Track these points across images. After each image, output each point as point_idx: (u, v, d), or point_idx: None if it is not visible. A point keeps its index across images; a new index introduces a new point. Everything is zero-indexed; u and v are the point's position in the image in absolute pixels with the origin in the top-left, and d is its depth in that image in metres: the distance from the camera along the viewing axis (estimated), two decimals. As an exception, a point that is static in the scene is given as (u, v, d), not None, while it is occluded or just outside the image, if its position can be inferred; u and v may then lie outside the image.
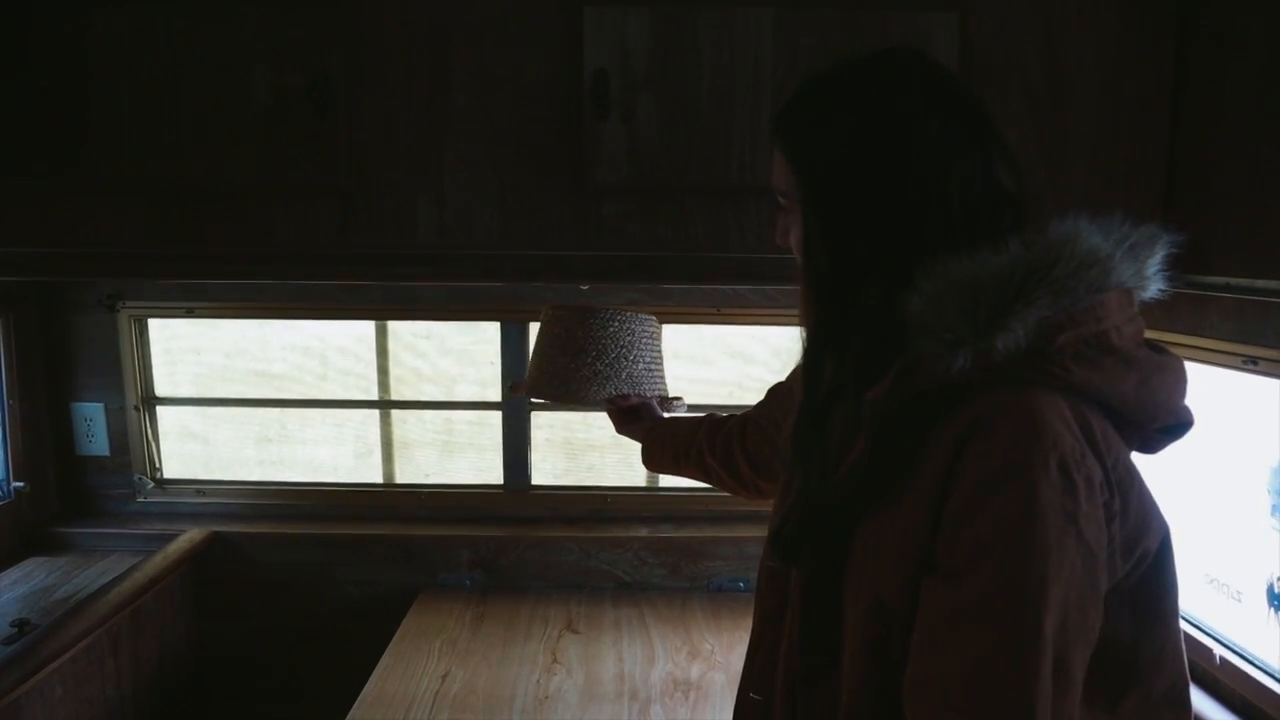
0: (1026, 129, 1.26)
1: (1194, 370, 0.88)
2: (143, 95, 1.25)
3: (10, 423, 1.99)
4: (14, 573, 1.94)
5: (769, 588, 0.96)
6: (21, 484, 2.01)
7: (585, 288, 1.69)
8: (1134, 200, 1.25)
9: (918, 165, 0.79)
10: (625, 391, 1.51)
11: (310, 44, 1.24)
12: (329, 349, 2.18)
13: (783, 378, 1.34)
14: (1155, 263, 0.81)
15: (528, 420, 2.15)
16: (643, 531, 2.10)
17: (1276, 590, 1.34)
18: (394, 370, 2.18)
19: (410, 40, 1.26)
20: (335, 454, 2.22)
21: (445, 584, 2.08)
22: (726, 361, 2.17)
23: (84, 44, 1.25)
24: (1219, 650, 1.41)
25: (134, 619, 1.84)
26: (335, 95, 1.24)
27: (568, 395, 1.50)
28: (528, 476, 2.17)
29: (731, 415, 1.42)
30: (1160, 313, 0.86)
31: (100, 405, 2.11)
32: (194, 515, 2.14)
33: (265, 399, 2.19)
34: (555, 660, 1.76)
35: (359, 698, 1.61)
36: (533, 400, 1.98)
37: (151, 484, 2.16)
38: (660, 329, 1.56)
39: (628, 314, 1.51)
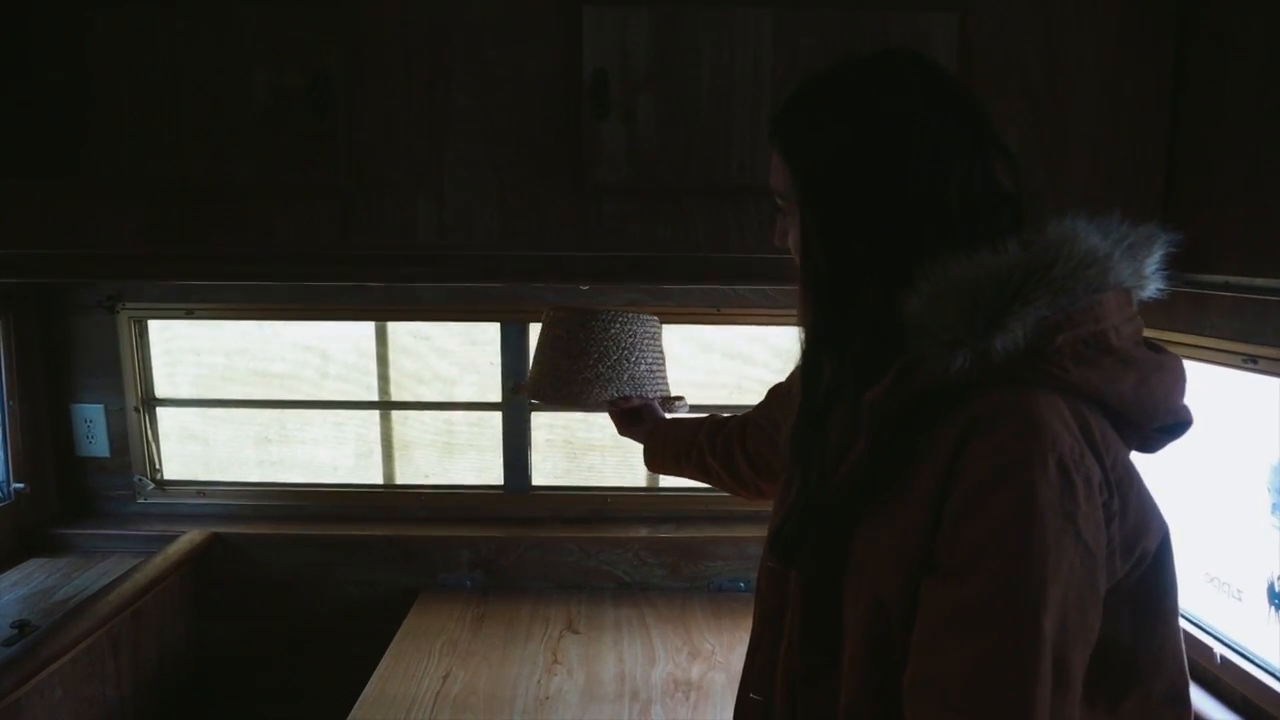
0: (1026, 129, 1.26)
1: (1193, 369, 0.88)
2: (142, 95, 1.25)
3: (10, 424, 1.99)
4: (14, 574, 1.94)
5: (769, 588, 0.96)
6: (21, 485, 2.01)
7: (585, 288, 1.69)
8: (1134, 200, 1.25)
9: (916, 166, 0.79)
10: (627, 393, 1.51)
11: (310, 44, 1.24)
12: (329, 349, 2.18)
13: (782, 378, 1.34)
14: (1154, 262, 0.82)
15: (528, 421, 2.15)
16: (643, 532, 2.10)
17: (1277, 589, 1.34)
18: (395, 371, 2.18)
19: (410, 40, 1.26)
20: (335, 455, 2.23)
21: (446, 584, 2.08)
22: (725, 362, 2.18)
23: (84, 44, 1.25)
24: (1219, 649, 1.41)
25: (134, 620, 1.84)
26: (335, 95, 1.24)
27: (570, 398, 1.50)
28: (528, 477, 2.17)
29: (732, 416, 1.43)
30: (1159, 312, 0.86)
31: (100, 406, 2.11)
32: (194, 516, 2.14)
33: (265, 400, 2.19)
34: (556, 661, 1.76)
35: (360, 698, 1.61)
36: (533, 401, 1.98)
37: (151, 485, 2.16)
38: (661, 329, 1.56)
39: (629, 315, 1.51)
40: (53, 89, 1.27)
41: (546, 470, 2.21)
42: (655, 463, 1.52)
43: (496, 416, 2.17)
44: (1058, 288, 0.75)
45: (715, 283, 1.41)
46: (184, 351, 2.17)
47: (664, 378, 1.59)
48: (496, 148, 1.28)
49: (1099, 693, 0.77)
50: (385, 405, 2.20)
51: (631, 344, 1.51)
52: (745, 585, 2.07)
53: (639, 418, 1.54)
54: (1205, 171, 1.21)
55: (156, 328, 2.14)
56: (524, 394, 1.62)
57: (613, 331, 1.49)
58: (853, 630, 0.82)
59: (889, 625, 0.78)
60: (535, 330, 1.77)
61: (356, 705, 1.59)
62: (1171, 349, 0.84)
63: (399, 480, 2.23)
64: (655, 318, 1.57)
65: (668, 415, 1.57)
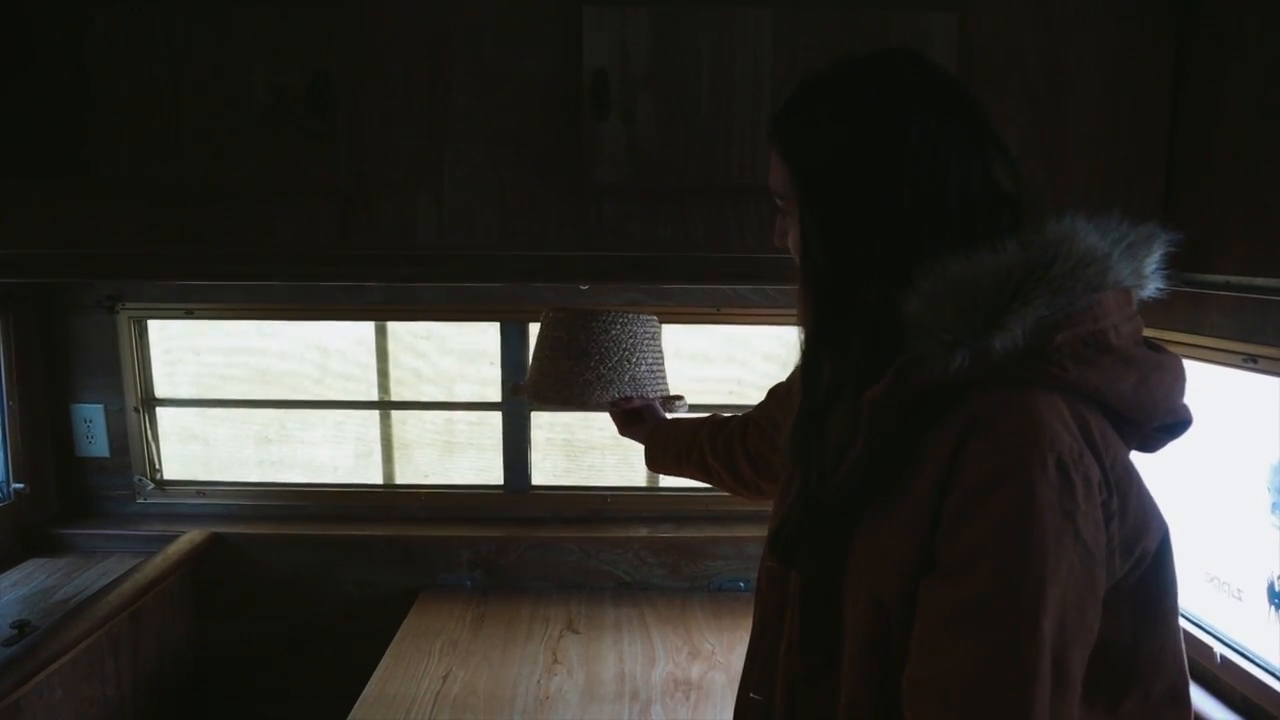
0: (1026, 129, 1.26)
1: (1193, 368, 0.88)
2: (142, 96, 1.25)
3: (10, 424, 1.99)
4: (14, 574, 1.94)
5: (769, 588, 0.96)
6: (21, 485, 2.01)
7: (585, 288, 1.69)
8: (1133, 199, 1.25)
9: (915, 166, 0.79)
10: (628, 394, 1.51)
11: (309, 44, 1.24)
12: (329, 350, 2.18)
13: (783, 378, 1.35)
14: (1153, 261, 0.82)
15: (528, 420, 2.15)
16: (643, 531, 2.10)
17: (1277, 588, 1.34)
18: (395, 371, 2.18)
19: (409, 40, 1.26)
20: (335, 454, 2.23)
21: (445, 584, 2.08)
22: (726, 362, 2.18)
23: (84, 44, 1.25)
24: (1220, 649, 1.41)
25: (134, 620, 1.84)
26: (334, 95, 1.24)
27: (571, 400, 1.50)
28: (528, 477, 2.17)
29: (733, 416, 1.43)
30: (1159, 311, 0.86)
31: (100, 406, 2.11)
32: (194, 516, 2.14)
33: (265, 400, 2.19)
34: (556, 660, 1.76)
35: (359, 698, 1.61)
36: (533, 403, 1.98)
37: (151, 485, 2.16)
38: (660, 329, 1.57)
39: (629, 316, 1.51)
40: (52, 89, 1.27)
41: (546, 470, 2.21)
42: (656, 463, 1.52)
43: (496, 416, 2.17)
44: (1056, 287, 0.75)
45: (715, 283, 1.41)
46: (184, 351, 2.17)
47: (664, 377, 1.59)
48: (496, 148, 1.28)
49: (1099, 692, 0.77)
50: (385, 405, 2.20)
51: (632, 345, 1.51)
52: (745, 585, 2.07)
53: (640, 418, 1.54)
54: (1205, 171, 1.21)
55: (156, 328, 2.14)
56: (523, 395, 1.62)
57: (613, 332, 1.49)
58: (852, 630, 0.82)
59: (889, 625, 0.78)
60: (535, 330, 1.77)
61: (356, 705, 1.59)
62: (1171, 348, 0.84)
63: (399, 480, 2.23)
64: (654, 318, 1.57)
65: (668, 415, 1.57)
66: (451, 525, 2.12)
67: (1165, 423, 0.81)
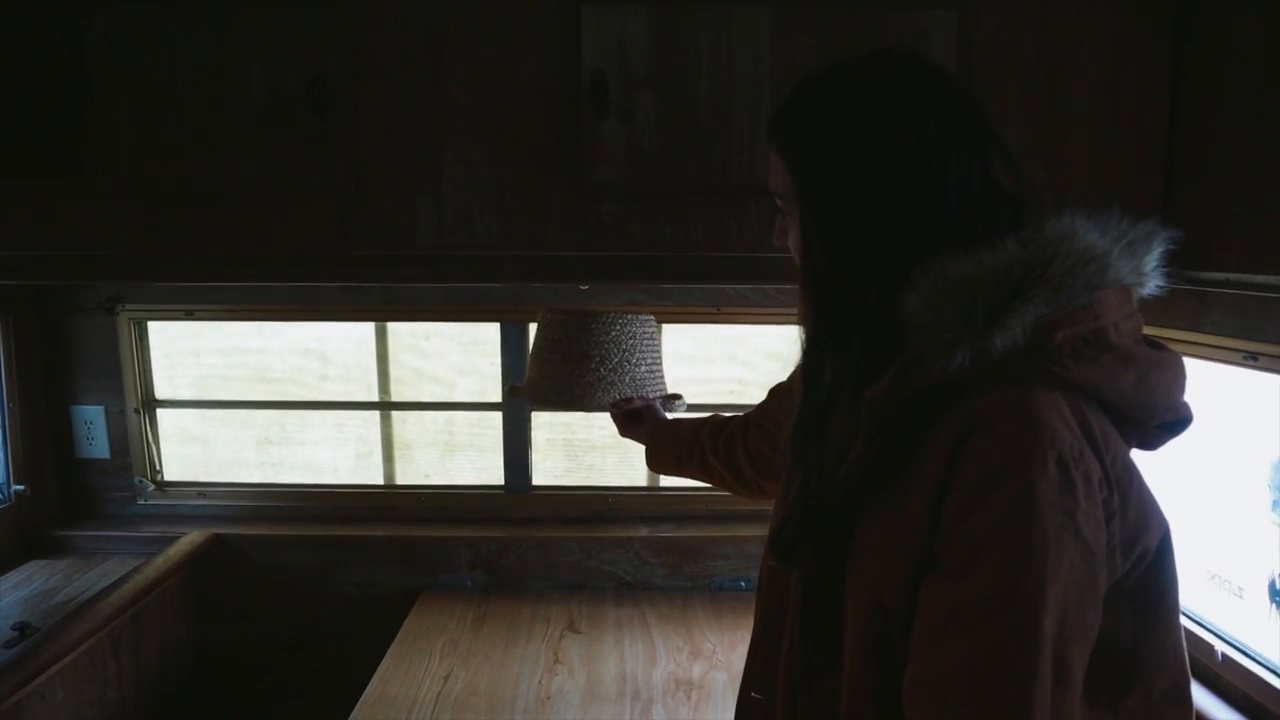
0: (1025, 128, 1.26)
1: (1193, 366, 0.88)
2: (142, 96, 1.25)
3: (10, 426, 1.99)
4: (14, 576, 1.94)
5: (770, 587, 0.96)
6: (22, 487, 2.01)
7: (585, 288, 1.69)
8: (1133, 197, 1.25)
9: (915, 165, 0.79)
10: (629, 394, 1.51)
11: (308, 44, 1.24)
12: (329, 350, 2.18)
13: (783, 378, 1.35)
14: (1153, 259, 0.82)
15: (528, 420, 2.15)
16: (644, 531, 2.10)
17: (1278, 586, 1.34)
18: (394, 371, 2.19)
19: (408, 40, 1.26)
20: (335, 455, 2.23)
21: (446, 585, 2.08)
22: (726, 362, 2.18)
23: (83, 45, 1.24)
24: (1221, 647, 1.41)
25: (135, 621, 1.84)
26: (333, 95, 1.24)
27: (573, 402, 1.50)
28: (528, 477, 2.18)
29: (735, 416, 1.43)
30: (1159, 309, 0.86)
31: (100, 408, 2.11)
32: (194, 517, 2.14)
33: (265, 401, 2.19)
34: (557, 660, 1.76)
35: (360, 699, 1.61)
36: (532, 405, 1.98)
37: (152, 486, 2.16)
38: (658, 328, 1.57)
39: (628, 316, 1.51)
40: (52, 89, 1.27)
41: (547, 470, 2.21)
42: (657, 463, 1.53)
43: (497, 416, 2.17)
44: (1056, 285, 0.75)
45: (715, 282, 1.41)
46: (184, 353, 2.17)
47: (662, 377, 1.59)
48: (496, 148, 1.28)
49: (1100, 691, 0.77)
50: (385, 406, 2.20)
51: (632, 346, 1.52)
52: (746, 584, 2.07)
53: (640, 419, 1.54)
54: (1204, 168, 1.21)
55: (156, 329, 2.14)
56: (522, 398, 1.62)
57: (614, 334, 1.49)
58: (853, 629, 0.82)
59: (889, 624, 0.78)
60: (535, 330, 1.76)
61: (358, 706, 1.59)
62: (1171, 346, 0.84)
63: (399, 480, 2.23)
64: (652, 317, 1.57)
65: (668, 415, 1.57)
66: (452, 525, 2.12)
67: (1165, 420, 0.81)
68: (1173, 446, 0.84)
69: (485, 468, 2.20)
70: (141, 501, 2.16)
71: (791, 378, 1.25)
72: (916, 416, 0.78)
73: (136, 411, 2.11)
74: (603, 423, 1.63)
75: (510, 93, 1.26)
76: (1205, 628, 1.47)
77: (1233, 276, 1.17)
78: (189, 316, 2.11)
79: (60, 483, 2.13)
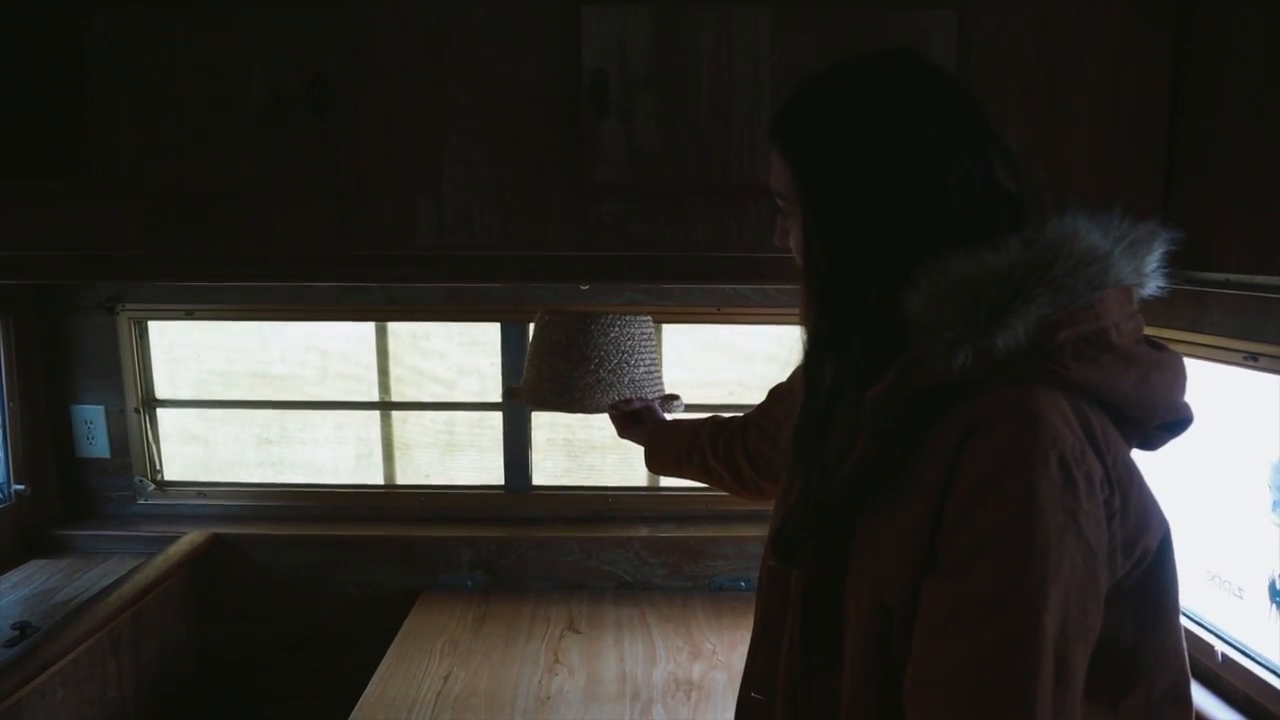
0: (1025, 128, 1.26)
1: (1194, 366, 0.88)
2: (141, 96, 1.25)
3: (10, 425, 1.99)
4: (15, 575, 1.94)
5: (770, 587, 0.96)
6: (22, 486, 2.01)
7: (585, 288, 1.68)
8: (1133, 197, 1.25)
9: (916, 165, 0.79)
10: (628, 395, 1.51)
11: (308, 44, 1.24)
12: (329, 350, 2.18)
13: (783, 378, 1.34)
14: (1154, 260, 0.82)
15: (528, 421, 2.15)
16: (644, 531, 2.10)
17: (1278, 586, 1.34)
18: (395, 370, 2.19)
19: (408, 40, 1.26)
20: (336, 455, 2.23)
21: (446, 585, 2.08)
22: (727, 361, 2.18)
23: (83, 44, 1.24)
24: (1221, 647, 1.41)
25: (135, 621, 1.84)
26: (333, 95, 1.24)
27: (572, 404, 1.50)
28: (529, 477, 2.17)
29: (734, 417, 1.43)
30: (1160, 309, 0.86)
31: (100, 407, 2.11)
32: (195, 517, 2.14)
33: (266, 401, 2.19)
34: (557, 660, 1.76)
35: (360, 699, 1.61)
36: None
37: (152, 486, 2.16)
38: (656, 329, 1.57)
39: (627, 318, 1.51)
40: (52, 89, 1.27)
41: (547, 470, 2.21)
42: (656, 464, 1.52)
43: (497, 416, 2.17)
44: (1058, 285, 0.75)
45: (715, 282, 1.41)
46: (184, 352, 2.17)
47: (661, 378, 1.59)
48: (496, 148, 1.28)
49: (1100, 691, 0.77)
50: (385, 406, 2.20)
51: (631, 347, 1.52)
52: (746, 584, 2.07)
53: (640, 420, 1.54)
54: (1205, 169, 1.21)
55: (156, 328, 2.14)
56: (520, 399, 1.62)
57: (613, 335, 1.49)
58: (854, 629, 0.82)
59: (890, 624, 0.78)
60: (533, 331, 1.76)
61: (358, 706, 1.59)
62: (1172, 346, 0.84)
63: (400, 480, 2.23)
64: (649, 318, 1.57)
65: (666, 415, 1.57)
66: (452, 525, 2.12)
67: (1166, 420, 0.81)
68: (1173, 447, 0.84)
69: (485, 468, 2.20)
70: (141, 501, 2.16)
71: (792, 378, 1.25)
72: (918, 416, 0.78)
73: (136, 411, 2.11)
74: (603, 423, 1.63)
75: (510, 93, 1.26)
76: (1205, 628, 1.47)
77: (1233, 277, 1.17)
78: (189, 316, 2.11)
79: (60, 482, 2.13)
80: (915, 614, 0.76)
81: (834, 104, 0.83)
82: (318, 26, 1.24)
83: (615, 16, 1.22)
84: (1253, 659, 1.37)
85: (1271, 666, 1.34)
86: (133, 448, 2.13)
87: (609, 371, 1.49)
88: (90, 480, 2.15)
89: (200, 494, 2.16)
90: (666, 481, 2.17)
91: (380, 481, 2.23)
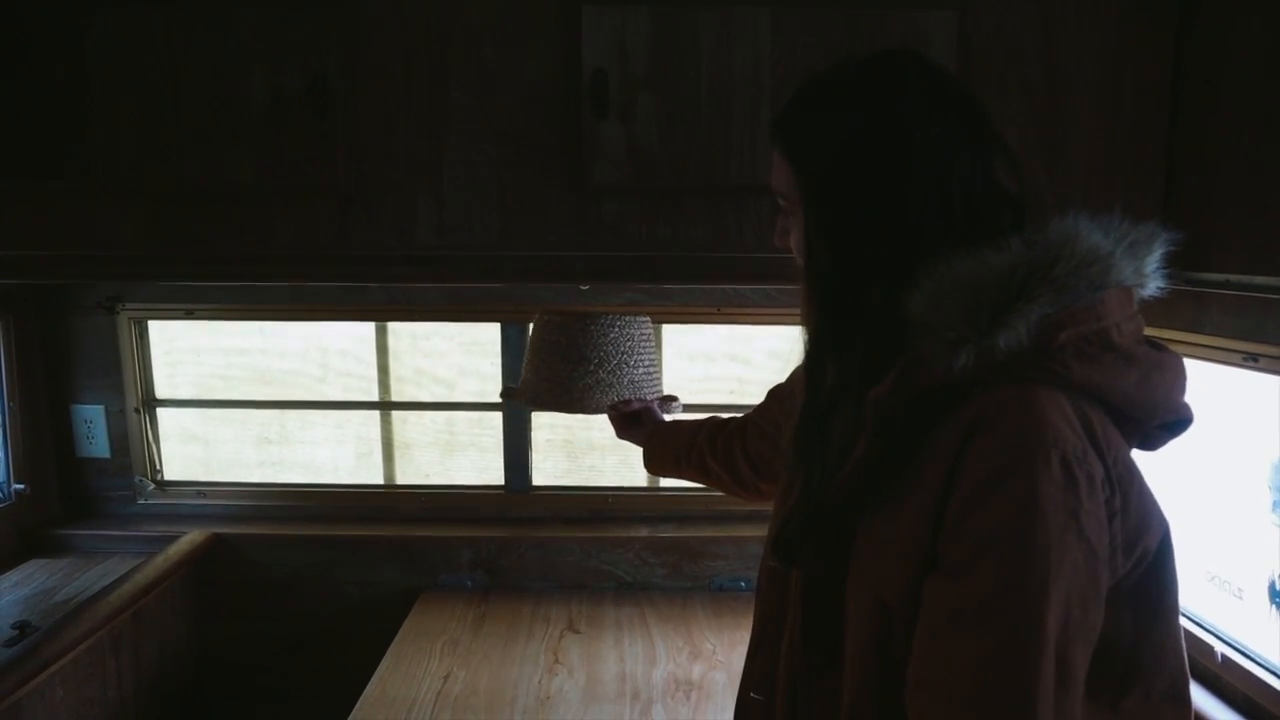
0: (1026, 128, 1.26)
1: (1194, 367, 0.88)
2: (142, 96, 1.25)
3: (10, 425, 1.99)
4: (14, 575, 1.94)
5: (770, 587, 0.96)
6: (22, 486, 2.01)
7: (585, 288, 1.68)
8: (1133, 198, 1.25)
9: (917, 165, 0.79)
10: (627, 396, 1.51)
11: (308, 45, 1.24)
12: (329, 349, 2.18)
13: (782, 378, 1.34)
14: (1155, 260, 0.82)
15: (528, 421, 2.15)
16: (644, 531, 2.10)
17: (1278, 587, 1.34)
18: (396, 370, 2.19)
19: (408, 40, 1.26)
20: (336, 455, 2.23)
21: (446, 585, 2.08)
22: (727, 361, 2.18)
23: (83, 45, 1.24)
24: (1220, 648, 1.41)
25: (135, 621, 1.84)
26: (334, 96, 1.24)
27: (571, 405, 1.50)
28: (529, 477, 2.17)
29: (733, 417, 1.43)
30: (1160, 310, 0.86)
31: (100, 407, 2.11)
32: (195, 517, 2.14)
33: (265, 400, 2.19)
34: (557, 660, 1.76)
35: (360, 699, 1.61)
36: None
37: (152, 486, 2.16)
38: (655, 330, 1.57)
39: (626, 318, 1.51)
40: (52, 89, 1.27)
41: (547, 470, 2.21)
42: (655, 465, 1.52)
43: (497, 416, 2.17)
44: (1060, 285, 0.75)
45: (715, 283, 1.41)
46: (184, 352, 2.17)
47: (659, 378, 1.59)
48: (496, 147, 1.28)
49: (1100, 690, 0.77)
50: (385, 405, 2.20)
51: (630, 347, 1.52)
52: (746, 584, 2.07)
53: (638, 420, 1.54)
54: (1205, 170, 1.21)
55: (156, 328, 2.14)
56: (519, 400, 1.61)
57: (611, 336, 1.49)
58: (855, 629, 0.82)
59: (891, 624, 0.78)
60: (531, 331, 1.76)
61: (357, 706, 1.59)
62: (1172, 347, 0.84)
63: (400, 480, 2.23)
64: (648, 318, 1.57)
65: (666, 416, 1.57)
66: (452, 525, 2.12)
67: (1166, 421, 0.81)
68: (1173, 447, 0.84)
69: (485, 468, 2.20)
70: (141, 501, 2.16)
71: (791, 379, 1.25)
72: (919, 416, 0.78)
73: (136, 411, 2.11)
74: (602, 423, 1.63)
75: (510, 93, 1.26)
76: (1205, 628, 1.47)
77: (1233, 278, 1.17)
78: (189, 316, 2.11)
79: (60, 482, 2.13)
80: (916, 614, 0.76)
81: (836, 104, 0.83)
82: (318, 26, 1.24)
83: (615, 16, 1.22)
84: (1252, 659, 1.37)
85: (1271, 667, 1.34)
86: (133, 447, 2.13)
87: (608, 372, 1.49)
88: (90, 480, 2.15)
89: (200, 494, 2.16)
90: (666, 482, 2.17)
91: (380, 481, 2.23)
